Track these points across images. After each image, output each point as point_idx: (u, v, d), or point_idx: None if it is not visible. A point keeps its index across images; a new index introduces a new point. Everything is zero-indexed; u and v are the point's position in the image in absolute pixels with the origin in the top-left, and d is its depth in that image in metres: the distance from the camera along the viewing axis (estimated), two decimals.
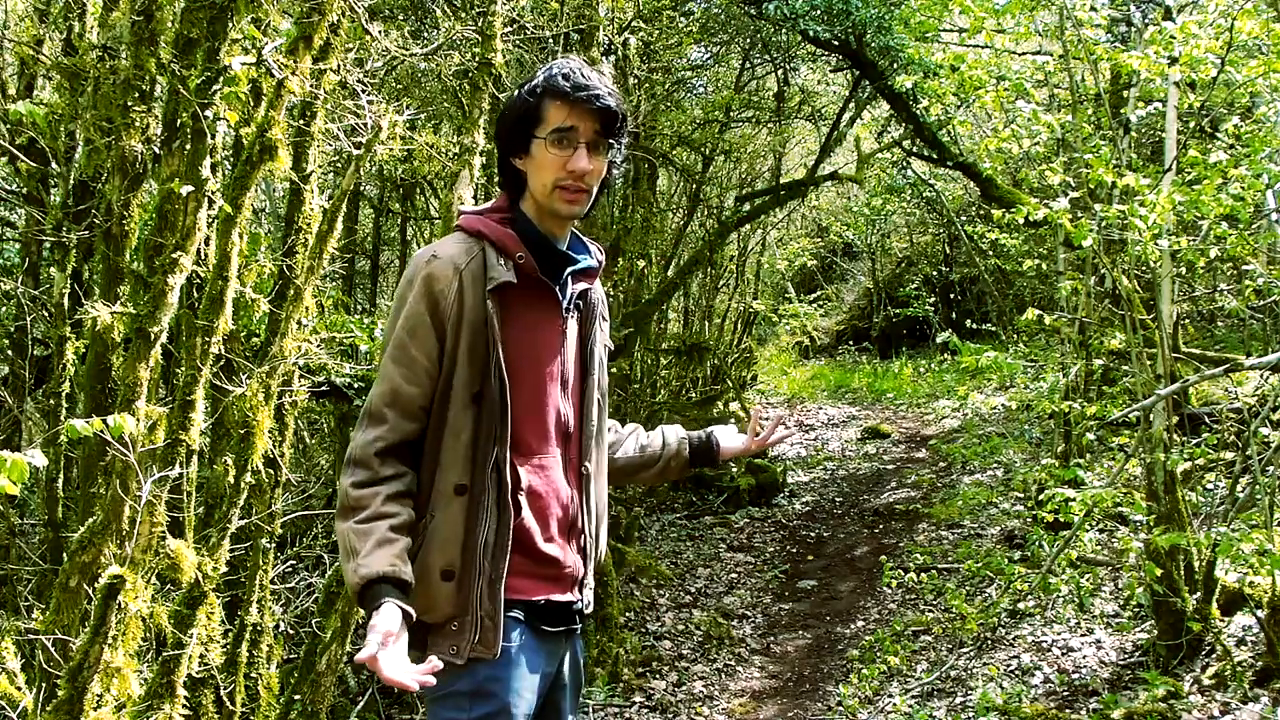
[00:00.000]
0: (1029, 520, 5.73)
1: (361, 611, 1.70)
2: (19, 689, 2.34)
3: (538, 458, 1.78)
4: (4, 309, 3.85)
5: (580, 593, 1.86)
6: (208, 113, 2.39)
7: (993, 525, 6.24)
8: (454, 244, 1.78)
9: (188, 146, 2.44)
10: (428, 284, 1.72)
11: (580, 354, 1.87)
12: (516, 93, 1.84)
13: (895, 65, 6.45)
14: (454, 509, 1.70)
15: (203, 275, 2.60)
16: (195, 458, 2.45)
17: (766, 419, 2.21)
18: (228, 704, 2.80)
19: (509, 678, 1.70)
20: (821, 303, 15.25)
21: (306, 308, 2.78)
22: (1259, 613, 3.54)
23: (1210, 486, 5.05)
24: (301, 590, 4.14)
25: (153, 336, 2.29)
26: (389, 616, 1.58)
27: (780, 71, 8.42)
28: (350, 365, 3.91)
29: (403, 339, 1.71)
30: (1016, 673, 4.25)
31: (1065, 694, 3.98)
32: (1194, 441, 4.53)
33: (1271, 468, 3.78)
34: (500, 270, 1.74)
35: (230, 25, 2.42)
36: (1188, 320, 7.79)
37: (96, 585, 2.10)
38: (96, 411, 2.67)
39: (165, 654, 2.42)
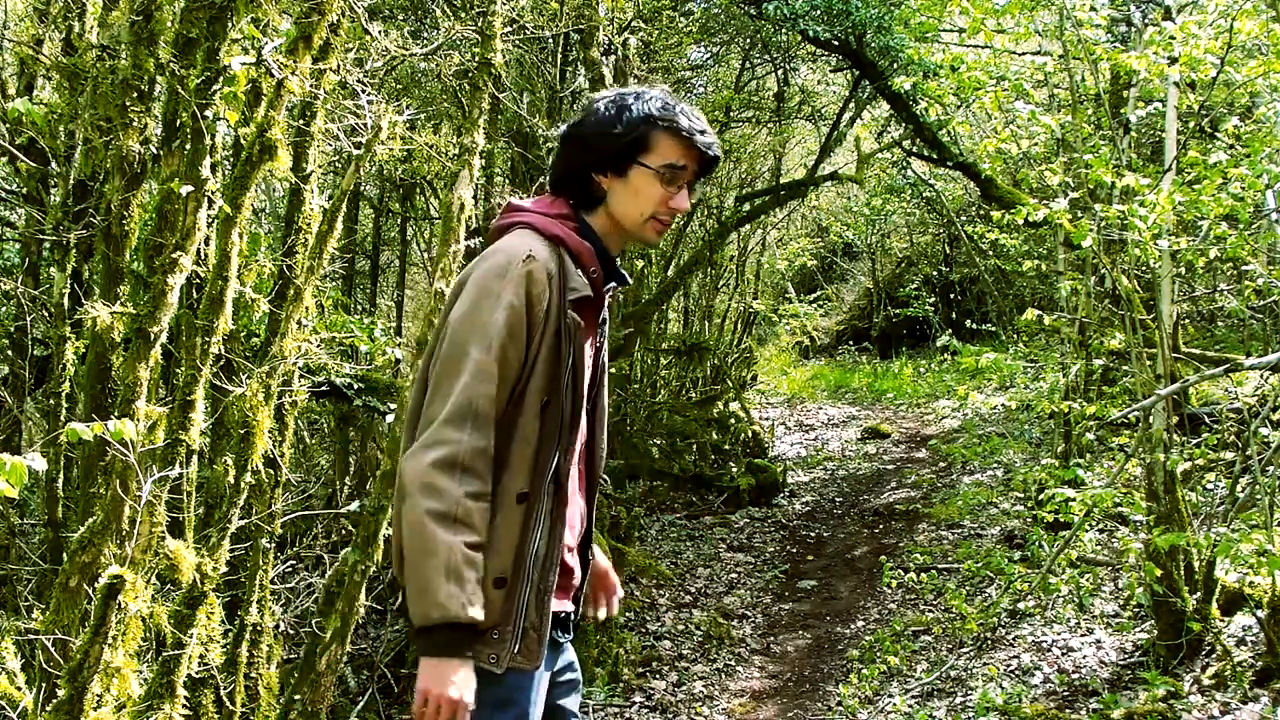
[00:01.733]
0: (1029, 520, 5.73)
1: (360, 611, 1.67)
2: (19, 689, 2.34)
3: (571, 471, 1.77)
4: (4, 309, 3.85)
5: (576, 603, 1.90)
6: (207, 113, 2.39)
7: (993, 525, 6.24)
8: (540, 246, 1.72)
9: (187, 146, 2.44)
10: (527, 284, 1.66)
11: (595, 369, 1.86)
12: (616, 112, 1.79)
13: (895, 65, 6.45)
14: (513, 516, 1.66)
15: (203, 275, 2.60)
16: (195, 458, 2.45)
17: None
18: (228, 704, 2.80)
19: (531, 687, 1.71)
20: (821, 303, 15.25)
21: (306, 308, 2.78)
22: (1259, 613, 3.54)
23: (1210, 486, 5.04)
24: (301, 590, 4.14)
25: (153, 336, 2.29)
26: (469, 680, 1.57)
27: (780, 71, 8.42)
28: (350, 365, 3.91)
29: (504, 338, 1.64)
30: (1016, 673, 4.25)
31: (1065, 694, 3.98)
32: (1194, 441, 4.53)
33: (1271, 468, 3.78)
34: (579, 282, 1.73)
35: (230, 25, 2.42)
36: (1188, 320, 7.79)
37: (96, 585, 2.10)
38: (96, 411, 2.67)
39: (165, 654, 2.42)
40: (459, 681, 1.55)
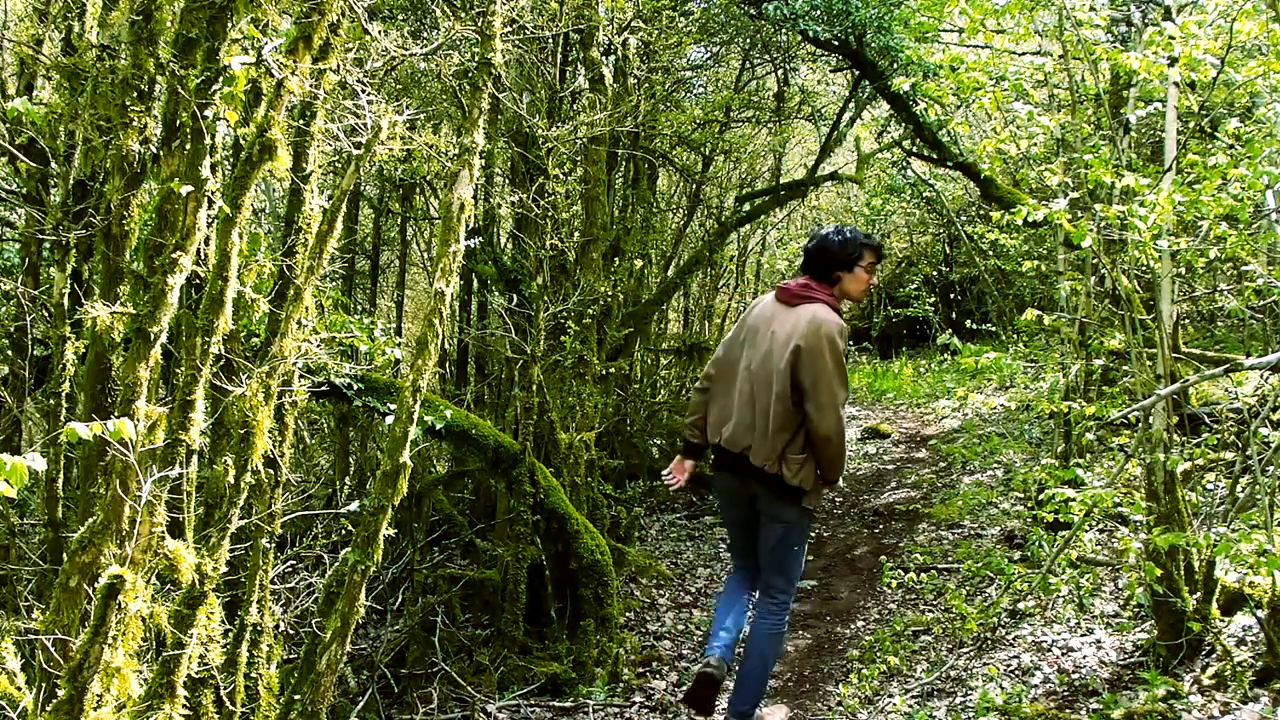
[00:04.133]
0: (1029, 520, 5.73)
1: (360, 611, 1.87)
2: (19, 689, 2.34)
3: None
4: (4, 309, 3.85)
5: None
6: (207, 113, 2.39)
7: (993, 525, 6.24)
8: (834, 315, 3.63)
9: (187, 146, 2.44)
10: (845, 337, 3.67)
11: None
12: (847, 241, 3.73)
13: (895, 65, 6.46)
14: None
15: (203, 275, 2.60)
16: (195, 458, 2.45)
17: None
18: (228, 704, 2.80)
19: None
20: None
21: (306, 308, 2.78)
22: (1259, 613, 3.54)
23: (1210, 486, 5.05)
24: (301, 590, 4.14)
25: (153, 336, 2.29)
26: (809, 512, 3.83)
27: (780, 71, 8.42)
28: (350, 365, 3.91)
29: (845, 371, 3.60)
30: (1016, 673, 4.25)
31: (1065, 694, 3.98)
32: (1194, 441, 4.53)
33: (1271, 468, 3.78)
34: None
35: (230, 25, 2.42)
36: (1188, 320, 7.79)
37: (96, 585, 2.10)
38: (97, 411, 2.67)
39: (165, 654, 2.42)
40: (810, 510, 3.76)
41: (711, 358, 3.98)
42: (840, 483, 4.93)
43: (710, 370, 3.90)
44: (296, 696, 2.88)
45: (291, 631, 3.84)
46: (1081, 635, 4.42)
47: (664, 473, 4.04)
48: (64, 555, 2.34)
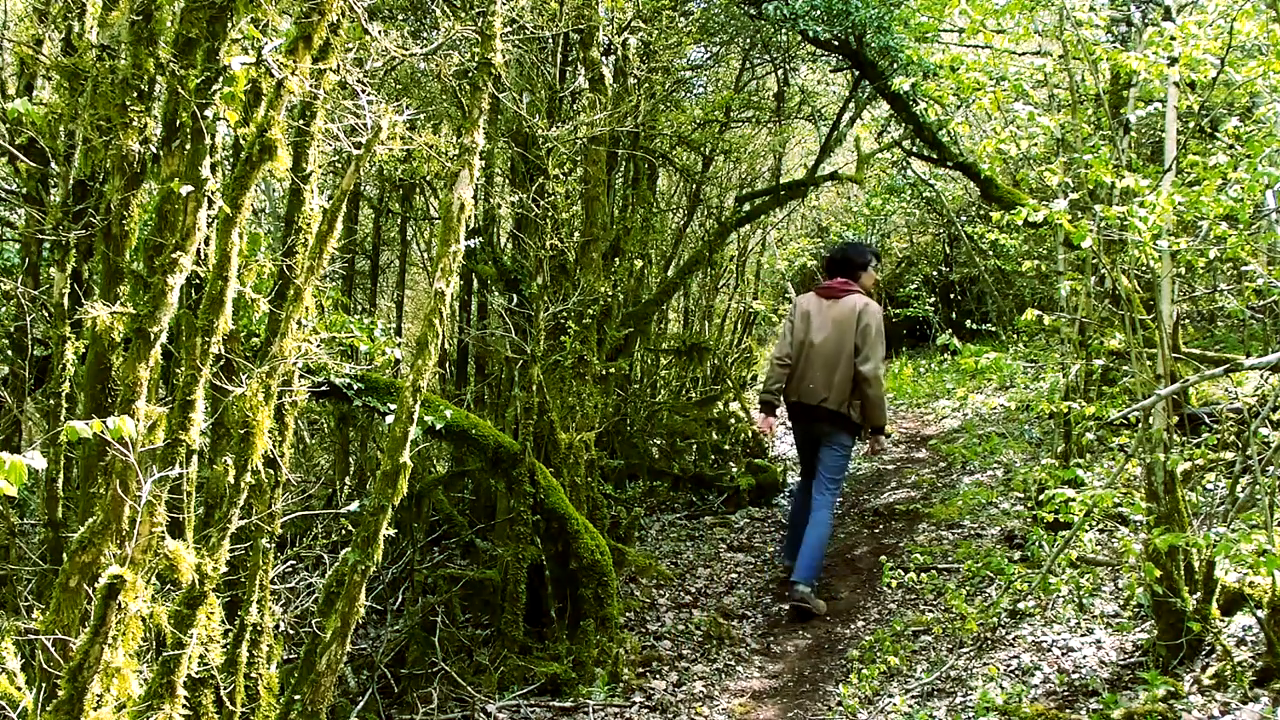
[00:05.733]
0: (1029, 520, 5.73)
1: (360, 611, 1.88)
2: (19, 689, 2.34)
3: None
4: (4, 309, 3.84)
5: None
6: (207, 113, 2.39)
7: (993, 525, 6.23)
8: (873, 302, 5.55)
9: (187, 146, 2.44)
10: (881, 316, 5.60)
11: None
12: (861, 250, 5.90)
13: (895, 65, 6.45)
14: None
15: (203, 275, 2.60)
16: (195, 458, 2.45)
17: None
18: (228, 704, 2.80)
19: None
20: None
21: (306, 308, 2.78)
22: (1259, 613, 3.54)
23: (1210, 486, 5.05)
24: (301, 590, 4.14)
25: (153, 336, 2.29)
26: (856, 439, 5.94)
27: (780, 71, 8.42)
28: (350, 365, 3.91)
29: (883, 333, 5.55)
30: (1016, 673, 4.25)
31: (1065, 694, 3.98)
32: (1194, 441, 4.53)
33: (1271, 468, 3.78)
34: None
35: (230, 25, 2.42)
36: (1188, 320, 7.79)
37: (96, 585, 2.10)
38: (96, 411, 2.67)
39: (165, 654, 2.42)
40: (873, 442, 5.90)
41: (779, 345, 5.83)
42: (887, 431, 6.42)
43: (788, 352, 5.69)
44: (296, 696, 2.88)
45: (291, 631, 3.84)
46: (1081, 635, 4.42)
47: (756, 427, 7.22)
48: (64, 555, 2.34)
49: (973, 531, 6.27)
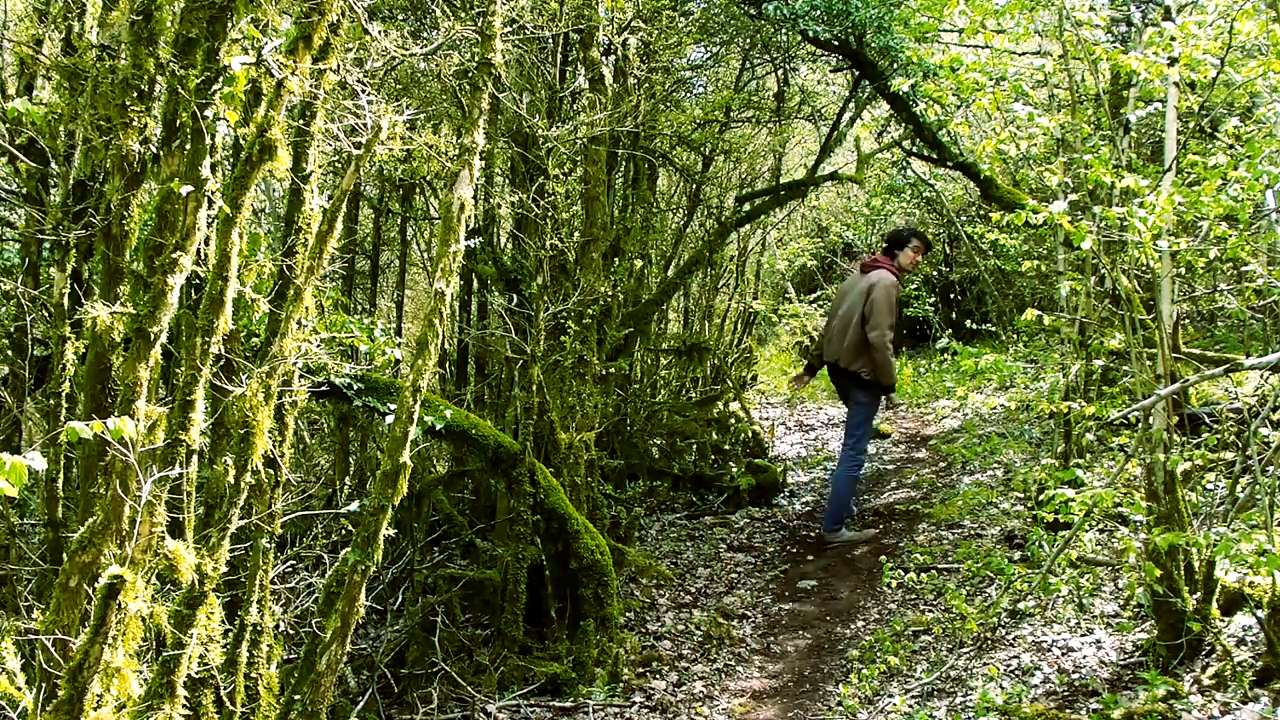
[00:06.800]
0: (1029, 520, 5.73)
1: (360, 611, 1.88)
2: (19, 689, 2.34)
3: None
4: (4, 309, 3.85)
5: None
6: (207, 113, 2.39)
7: (993, 525, 6.24)
8: (893, 277, 6.43)
9: (187, 146, 2.44)
10: (899, 290, 6.41)
11: None
12: (904, 231, 6.76)
13: (895, 65, 6.45)
14: (888, 355, 6.29)
15: (203, 275, 2.60)
16: (195, 458, 2.45)
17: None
18: (228, 704, 2.80)
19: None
20: (821, 303, 15.24)
21: (306, 308, 2.78)
22: (1259, 613, 3.54)
23: (1210, 486, 5.04)
24: (301, 590, 4.14)
25: (153, 336, 2.29)
26: (884, 399, 6.67)
27: (780, 71, 8.41)
28: (350, 365, 3.91)
29: (894, 306, 6.32)
30: (1016, 673, 4.25)
31: (1065, 694, 3.98)
32: (1194, 441, 4.53)
33: (1271, 468, 3.78)
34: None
35: (230, 25, 2.42)
36: (1188, 320, 7.79)
37: (96, 585, 2.10)
38: (97, 411, 2.67)
39: (165, 654, 2.42)
40: (887, 399, 6.61)
41: (829, 312, 6.96)
42: (895, 397, 6.74)
43: (827, 321, 6.85)
44: (296, 696, 2.88)
45: (291, 631, 3.84)
46: (1081, 635, 4.42)
47: (788, 383, 8.83)
48: (64, 555, 2.34)
49: (973, 531, 6.27)
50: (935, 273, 12.99)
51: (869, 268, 6.54)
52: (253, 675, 2.96)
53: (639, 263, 7.15)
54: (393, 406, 3.94)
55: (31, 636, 2.50)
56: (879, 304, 6.23)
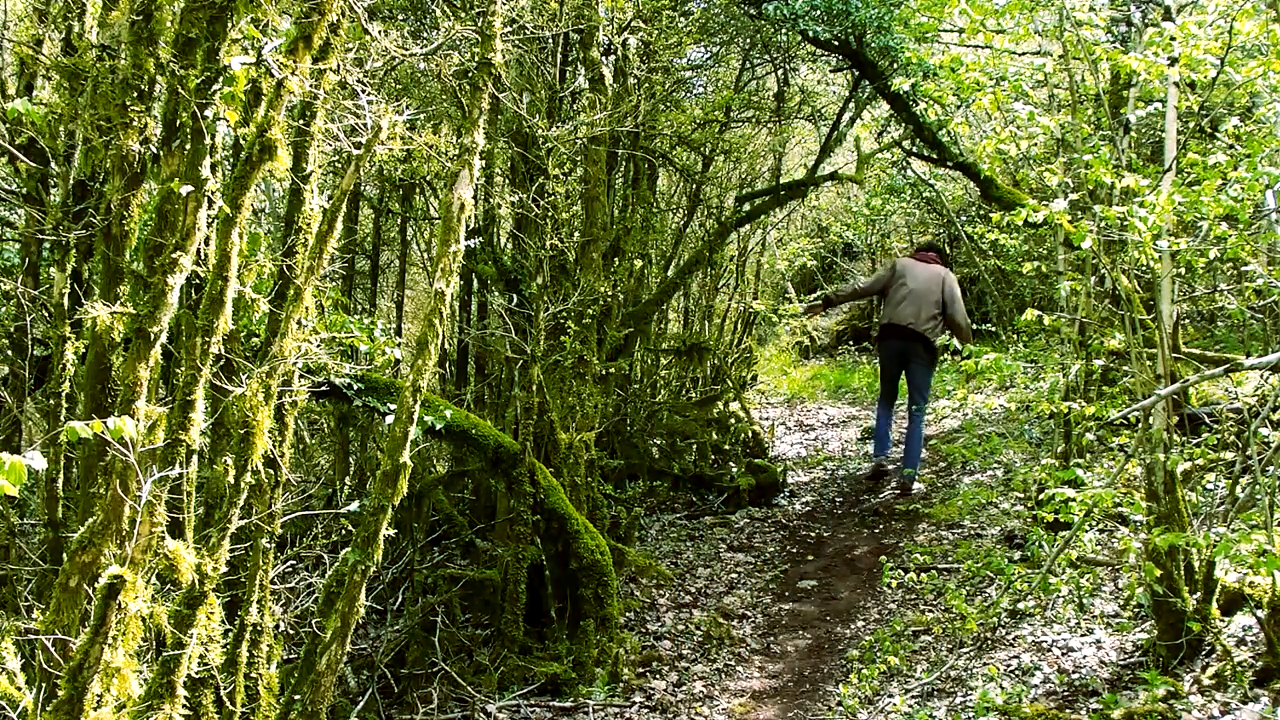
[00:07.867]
0: (1029, 520, 5.73)
1: (360, 611, 1.94)
2: (19, 689, 2.34)
3: None
4: (4, 309, 3.85)
5: None
6: (207, 113, 2.39)
7: (993, 525, 6.24)
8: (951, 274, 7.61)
9: (187, 146, 2.44)
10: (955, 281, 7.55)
11: None
12: (939, 243, 9.48)
13: (895, 65, 6.45)
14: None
15: (203, 275, 2.60)
16: (195, 458, 2.45)
17: None
18: (228, 704, 2.80)
19: None
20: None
21: (306, 308, 2.78)
22: (1259, 613, 3.54)
23: (1210, 486, 5.04)
24: (301, 590, 4.14)
25: (153, 336, 2.29)
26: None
27: (780, 71, 8.41)
28: (350, 365, 3.91)
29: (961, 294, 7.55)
30: (1016, 673, 4.25)
31: (1065, 694, 3.98)
32: (1194, 441, 4.53)
33: (1271, 468, 3.78)
34: None
35: (230, 25, 2.42)
36: (1188, 320, 7.79)
37: (96, 585, 2.10)
38: (97, 411, 2.67)
39: (165, 654, 2.42)
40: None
41: (867, 283, 8.15)
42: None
43: (871, 287, 7.96)
44: (296, 696, 2.88)
45: (291, 631, 3.84)
46: (1081, 635, 4.42)
47: (804, 308, 9.88)
48: (64, 555, 2.34)
49: (973, 531, 6.27)
50: None
51: (929, 260, 7.55)
52: (253, 675, 2.96)
53: (639, 263, 7.15)
54: (393, 406, 3.94)
55: (31, 636, 2.50)
56: (958, 292, 7.46)
